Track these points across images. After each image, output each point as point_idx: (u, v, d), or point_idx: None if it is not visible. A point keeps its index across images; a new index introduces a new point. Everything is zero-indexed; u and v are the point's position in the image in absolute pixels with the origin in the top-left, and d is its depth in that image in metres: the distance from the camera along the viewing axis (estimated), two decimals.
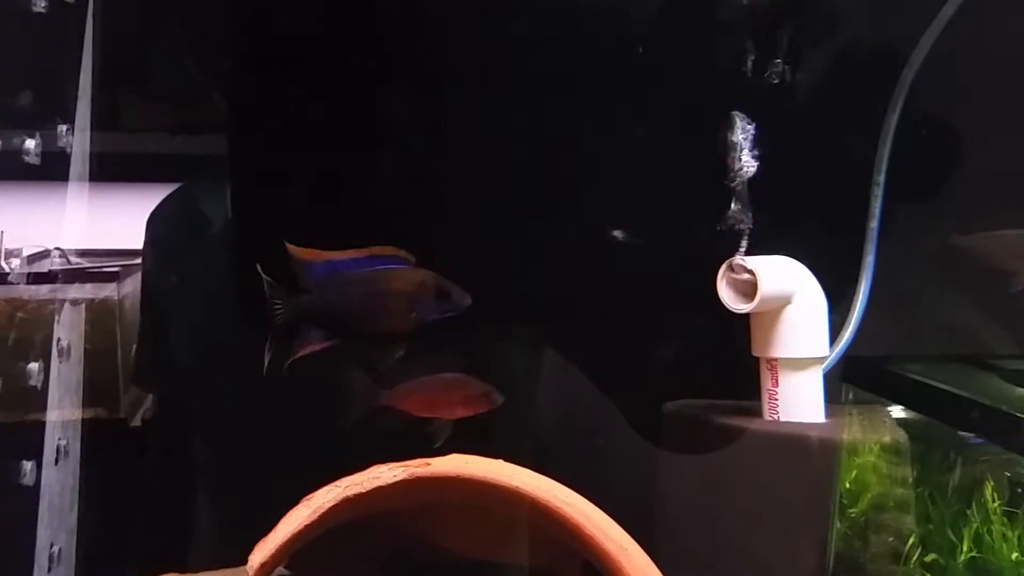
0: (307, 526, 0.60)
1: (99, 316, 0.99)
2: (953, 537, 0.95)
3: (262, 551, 0.59)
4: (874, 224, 0.82)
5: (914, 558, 1.01)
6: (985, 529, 0.91)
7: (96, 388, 0.99)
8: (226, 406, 0.94)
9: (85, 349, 0.98)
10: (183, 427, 0.96)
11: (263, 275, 0.75)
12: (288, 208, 0.88)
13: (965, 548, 0.93)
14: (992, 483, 0.93)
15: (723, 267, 0.76)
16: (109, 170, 0.97)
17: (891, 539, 1.11)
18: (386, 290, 0.76)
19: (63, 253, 1.00)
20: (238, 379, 0.92)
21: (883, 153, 0.82)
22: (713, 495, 0.76)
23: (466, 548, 0.71)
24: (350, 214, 0.86)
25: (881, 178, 0.82)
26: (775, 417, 0.76)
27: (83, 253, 1.00)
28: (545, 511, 0.62)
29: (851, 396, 1.16)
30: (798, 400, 0.76)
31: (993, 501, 0.92)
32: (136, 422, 1.01)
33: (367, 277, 0.75)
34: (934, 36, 0.80)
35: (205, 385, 0.96)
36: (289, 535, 0.60)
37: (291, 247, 0.75)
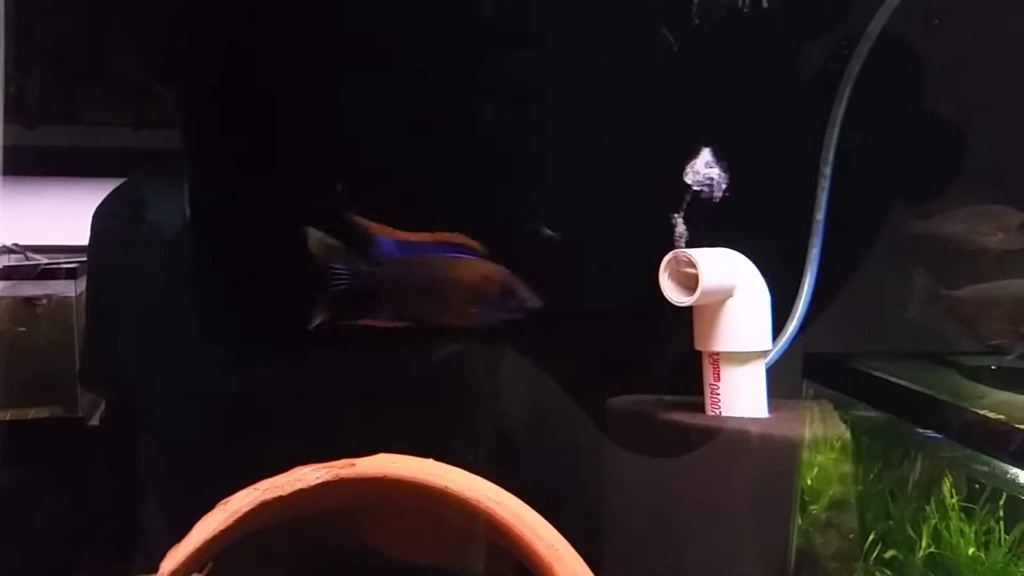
0: (223, 531, 0.56)
1: (56, 313, 0.94)
2: (912, 533, 0.93)
3: (174, 558, 0.55)
4: (820, 216, 0.79)
5: (874, 555, 0.99)
6: (944, 525, 0.89)
7: (53, 386, 0.95)
8: (176, 408, 0.90)
9: (40, 346, 0.94)
10: (131, 429, 0.92)
11: (326, 238, 0.69)
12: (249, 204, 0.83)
13: (924, 544, 0.91)
14: (951, 479, 0.91)
15: (666, 259, 0.72)
16: (63, 164, 0.93)
17: (834, 537, 1.09)
18: (450, 278, 0.71)
19: (19, 249, 0.96)
20: (189, 380, 0.88)
21: (830, 144, 0.79)
22: (657, 491, 0.73)
23: (402, 551, 0.67)
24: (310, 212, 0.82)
25: (828, 169, 0.79)
26: (717, 412, 0.73)
27: (39, 249, 0.96)
28: (475, 511, 0.59)
29: (812, 393, 1.14)
30: (740, 394, 0.73)
31: (952, 497, 0.90)
32: (94, 421, 0.97)
33: (432, 262, 0.71)
34: (880, 25, 0.76)
35: (153, 386, 0.92)
36: (203, 541, 0.56)
37: (361, 220, 0.70)
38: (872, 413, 1.11)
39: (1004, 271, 1.01)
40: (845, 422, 1.08)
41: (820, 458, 1.13)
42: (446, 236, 0.71)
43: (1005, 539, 0.85)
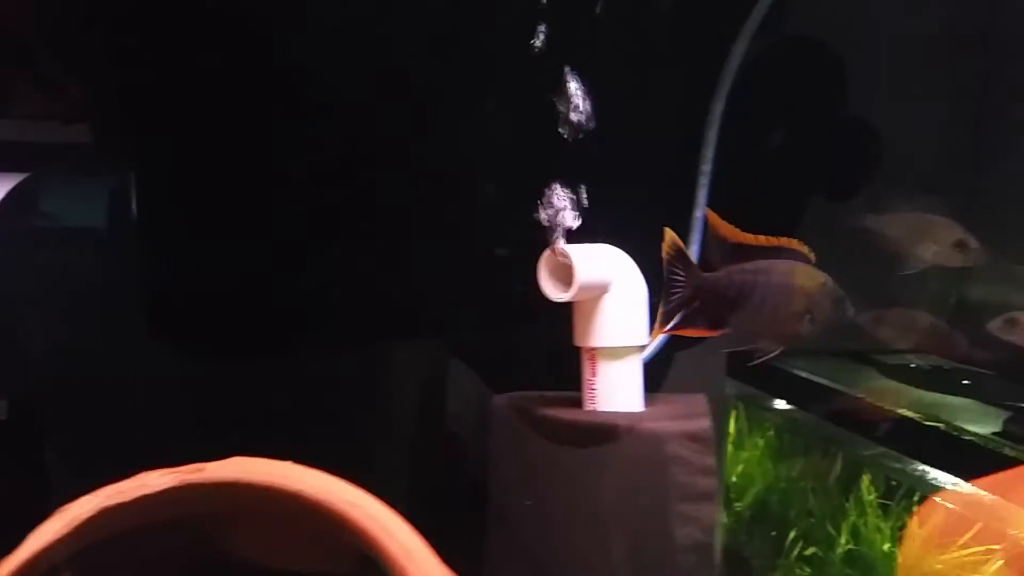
0: (60, 539, 0.52)
1: None
2: (832, 530, 0.94)
3: (7, 567, 0.51)
4: (699, 213, 0.78)
5: (795, 552, 1.00)
6: (862, 522, 0.90)
7: None
8: (79, 406, 0.86)
9: None
10: (33, 428, 0.88)
11: (673, 246, 0.66)
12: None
13: (843, 541, 0.92)
14: (869, 476, 0.92)
15: (543, 256, 0.71)
16: None
17: (758, 534, 1.10)
18: (789, 284, 0.68)
19: None
20: (92, 381, 0.84)
21: (709, 141, 0.78)
22: (536, 488, 0.72)
23: (267, 557, 0.64)
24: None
25: (707, 167, 0.78)
26: (593, 407, 0.72)
27: None
28: (330, 514, 0.56)
29: (735, 391, 1.15)
30: (616, 389, 0.72)
31: (869, 494, 0.90)
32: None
33: (771, 267, 0.68)
34: (753, 27, 0.76)
35: (54, 384, 0.87)
36: (39, 549, 0.52)
37: (714, 218, 0.67)
38: (794, 411, 1.13)
39: (929, 286, 1.02)
40: (766, 420, 1.11)
41: (745, 455, 1.15)
42: (784, 241, 0.68)
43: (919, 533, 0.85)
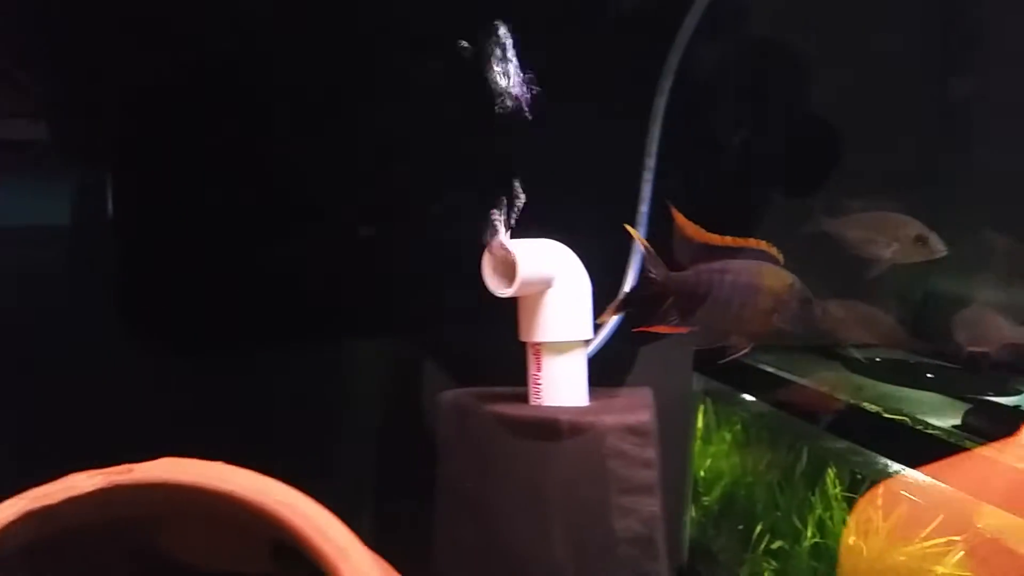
0: None
1: None
2: (799, 524, 0.94)
3: None
4: (644, 208, 0.78)
5: (762, 546, 1.00)
6: (828, 515, 0.90)
7: None
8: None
9: None
10: None
11: (643, 243, 0.67)
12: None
13: (809, 534, 0.92)
14: (834, 470, 0.92)
15: (487, 250, 0.70)
16: None
17: (725, 528, 1.10)
18: (757, 285, 0.68)
19: None
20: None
21: (653, 136, 0.78)
22: (482, 483, 0.72)
23: (205, 560, 0.63)
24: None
25: (651, 162, 0.78)
26: (538, 401, 0.72)
27: None
28: (262, 513, 0.55)
29: (701, 387, 1.15)
30: (560, 384, 0.72)
31: (835, 487, 0.91)
32: None
33: (739, 267, 0.68)
34: (695, 21, 0.76)
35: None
36: None
37: (680, 218, 0.68)
38: (760, 405, 1.13)
39: (895, 283, 1.02)
40: (733, 415, 1.11)
41: (713, 449, 1.15)
42: (751, 242, 0.69)
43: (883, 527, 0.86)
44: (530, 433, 0.68)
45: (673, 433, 1.08)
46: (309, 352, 0.87)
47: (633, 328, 0.69)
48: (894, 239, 0.96)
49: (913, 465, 0.89)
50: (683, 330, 0.68)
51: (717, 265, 0.68)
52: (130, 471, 0.55)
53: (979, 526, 0.73)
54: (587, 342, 0.73)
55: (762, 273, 0.68)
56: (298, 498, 0.57)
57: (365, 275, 0.82)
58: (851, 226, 0.97)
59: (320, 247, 0.80)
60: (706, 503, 1.15)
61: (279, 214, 0.81)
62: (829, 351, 1.22)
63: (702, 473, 1.18)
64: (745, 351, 0.69)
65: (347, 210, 0.82)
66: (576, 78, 0.80)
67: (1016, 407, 0.95)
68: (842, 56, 1.03)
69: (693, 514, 1.17)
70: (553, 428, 0.67)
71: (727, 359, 0.69)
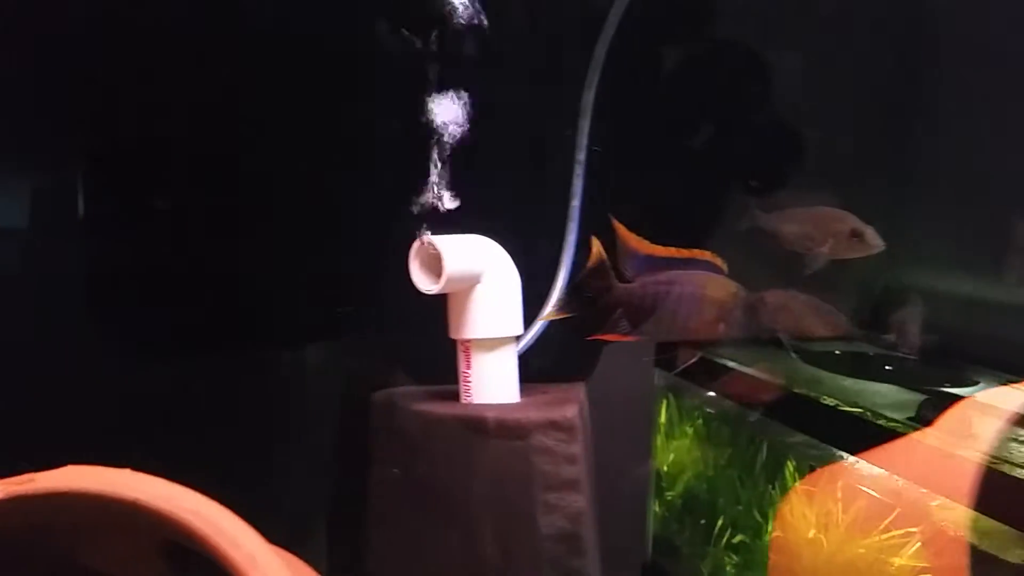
0: None
1: None
2: (759, 517, 0.93)
3: None
4: (576, 203, 0.77)
5: (724, 540, 0.99)
6: (788, 509, 0.89)
7: None
8: None
9: None
10: None
11: (599, 257, 0.68)
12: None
13: (770, 528, 0.91)
14: (793, 463, 0.91)
15: (414, 248, 0.69)
16: None
17: (688, 522, 1.09)
18: (701, 295, 0.69)
19: None
20: None
21: (583, 131, 0.77)
22: (412, 483, 0.70)
23: (121, 570, 0.61)
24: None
25: (582, 156, 0.77)
26: (468, 400, 0.70)
27: None
28: (169, 523, 0.53)
29: (663, 382, 1.14)
30: (489, 381, 0.71)
31: (794, 481, 0.90)
32: None
33: (684, 278, 0.69)
34: (621, 9, 0.75)
35: None
36: None
37: (623, 231, 0.68)
38: (721, 399, 1.12)
39: (830, 279, 1.00)
40: (696, 409, 1.10)
41: (675, 444, 1.14)
42: (696, 252, 0.69)
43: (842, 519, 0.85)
44: (457, 431, 0.67)
45: (635, 428, 1.07)
46: (237, 356, 0.85)
47: (585, 337, 0.69)
48: (829, 235, 0.94)
49: (852, 452, 0.89)
50: (632, 338, 0.69)
51: (663, 277, 0.69)
52: (31, 480, 0.53)
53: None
54: (517, 338, 0.72)
55: (706, 284, 0.69)
56: (208, 506, 0.55)
57: (295, 277, 0.80)
58: (786, 221, 0.95)
59: (253, 249, 0.79)
60: (669, 498, 1.15)
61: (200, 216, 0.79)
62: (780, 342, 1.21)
63: (665, 468, 1.17)
64: (693, 360, 0.69)
65: (279, 210, 0.80)
66: (508, 71, 0.79)
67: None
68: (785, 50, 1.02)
69: (657, 509, 1.16)
70: (479, 426, 0.66)
71: (678, 369, 0.69)
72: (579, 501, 0.64)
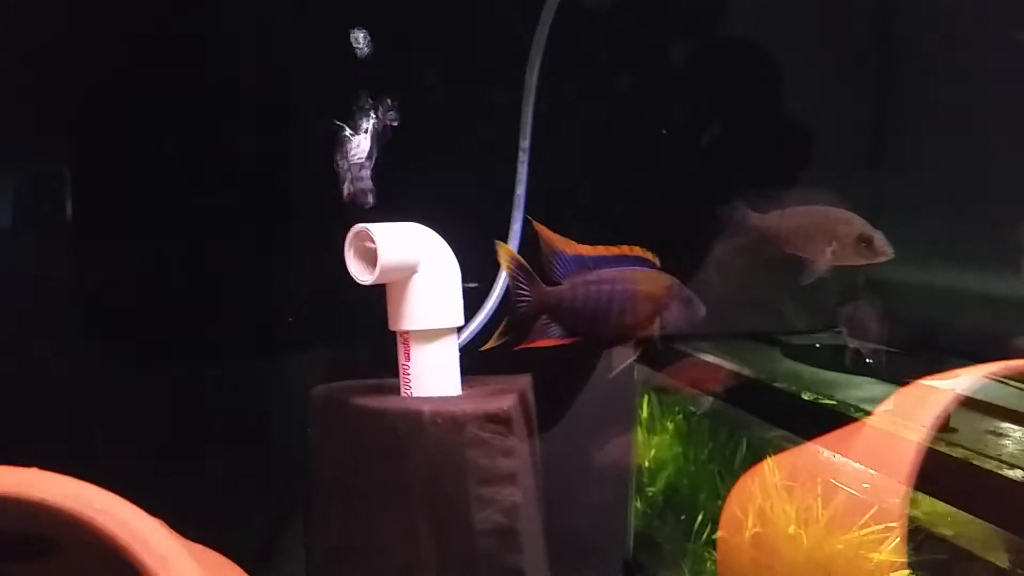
0: None
1: None
2: (739, 513, 0.91)
3: None
4: (521, 191, 0.74)
5: (704, 536, 0.97)
6: (768, 504, 0.87)
7: None
8: None
9: None
10: None
11: (513, 262, 0.65)
12: None
13: (749, 524, 0.89)
14: (772, 458, 0.88)
15: (349, 236, 0.66)
16: None
17: (669, 519, 1.07)
18: (634, 291, 0.67)
19: None
20: None
21: (526, 117, 0.74)
22: (351, 478, 0.68)
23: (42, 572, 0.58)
24: None
25: (526, 143, 0.74)
26: (408, 393, 0.67)
27: None
28: (77, 523, 0.51)
29: (643, 378, 1.12)
30: (429, 374, 0.68)
31: (773, 476, 0.87)
32: None
33: (615, 276, 0.67)
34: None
35: None
36: None
37: (545, 232, 0.66)
38: (700, 394, 1.10)
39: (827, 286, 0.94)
40: (675, 404, 1.08)
41: (656, 440, 1.12)
42: (626, 249, 0.67)
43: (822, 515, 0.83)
44: (394, 425, 0.64)
45: (615, 424, 1.05)
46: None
47: (513, 346, 0.66)
48: (833, 238, 0.82)
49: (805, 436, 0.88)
50: (566, 341, 0.67)
51: (593, 276, 0.66)
52: None
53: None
54: (458, 330, 0.69)
55: (638, 279, 0.67)
56: (117, 505, 0.53)
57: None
58: (785, 221, 0.84)
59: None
60: (650, 494, 1.13)
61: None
62: (768, 338, 1.19)
63: (647, 464, 1.15)
64: (632, 360, 0.67)
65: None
66: (449, 57, 0.76)
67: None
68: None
69: (638, 505, 1.14)
70: (415, 419, 0.64)
71: (616, 371, 0.67)
72: (515, 495, 0.61)
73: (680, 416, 1.12)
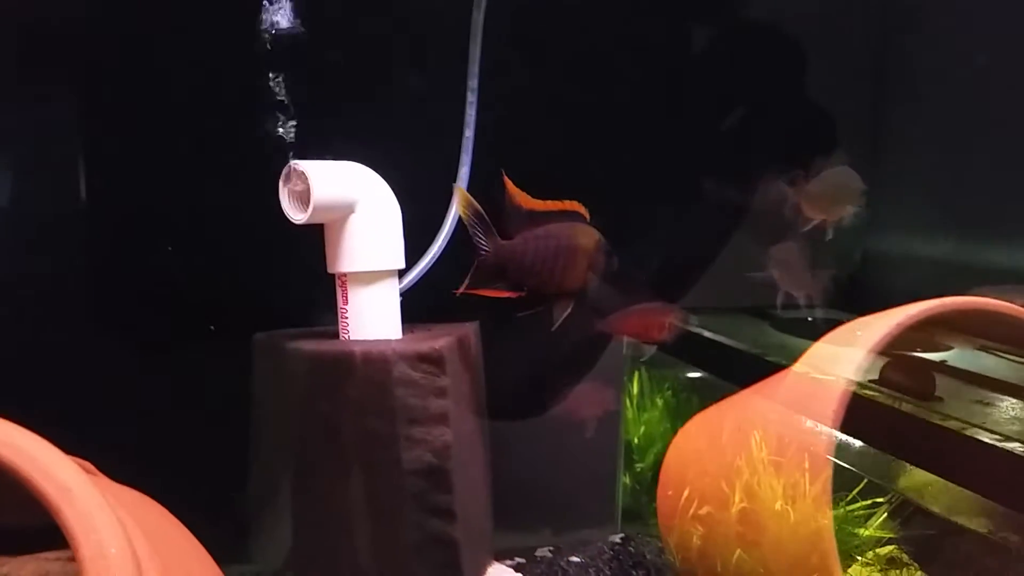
0: None
1: None
2: (727, 489, 0.88)
3: None
4: (469, 133, 0.71)
5: (691, 511, 0.94)
6: (756, 480, 0.84)
7: None
8: None
9: None
10: None
11: (477, 217, 0.65)
12: None
13: (736, 499, 0.86)
14: (760, 433, 0.86)
15: (283, 174, 0.64)
16: None
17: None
18: (575, 246, 0.67)
19: None
20: None
21: (474, 56, 0.71)
22: (289, 423, 0.65)
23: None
24: None
25: (474, 83, 0.71)
26: (346, 336, 0.65)
27: None
28: None
29: (630, 353, 1.09)
30: (367, 317, 0.65)
31: (761, 451, 0.85)
32: None
33: (559, 231, 0.67)
34: None
35: None
36: None
37: (512, 186, 0.65)
38: (690, 368, 1.08)
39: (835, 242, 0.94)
40: (664, 379, 1.06)
41: (646, 416, 1.09)
42: (567, 204, 0.67)
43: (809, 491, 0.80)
44: (327, 367, 0.62)
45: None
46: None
47: (462, 291, 0.65)
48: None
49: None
50: (513, 295, 0.66)
51: (540, 231, 0.66)
52: None
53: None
54: (399, 273, 0.67)
55: (575, 233, 0.67)
56: (22, 437, 0.50)
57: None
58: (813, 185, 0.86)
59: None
60: (639, 469, 1.10)
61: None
62: (760, 311, 1.16)
63: (636, 440, 1.13)
64: (569, 311, 0.66)
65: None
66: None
67: (943, 361, 0.88)
68: None
69: (627, 481, 1.12)
70: (347, 361, 0.61)
71: (557, 324, 0.66)
72: (446, 435, 0.58)
73: (669, 392, 1.10)
